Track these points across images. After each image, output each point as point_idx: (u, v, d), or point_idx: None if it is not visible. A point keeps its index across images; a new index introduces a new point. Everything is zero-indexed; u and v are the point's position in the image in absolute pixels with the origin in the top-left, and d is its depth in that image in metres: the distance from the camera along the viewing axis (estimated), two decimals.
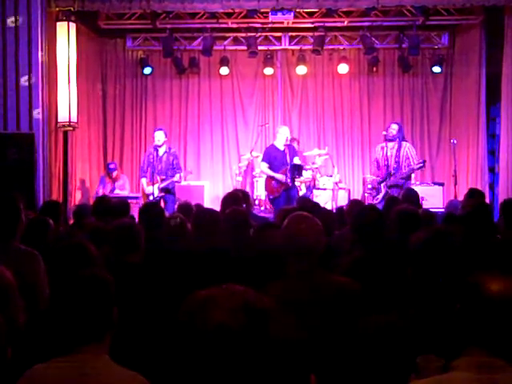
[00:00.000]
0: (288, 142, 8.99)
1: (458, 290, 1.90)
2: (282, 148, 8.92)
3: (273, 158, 8.95)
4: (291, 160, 8.87)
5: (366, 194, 9.10)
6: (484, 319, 1.79)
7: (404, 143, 8.98)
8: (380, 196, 8.80)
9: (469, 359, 1.79)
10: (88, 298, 2.05)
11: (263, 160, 9.15)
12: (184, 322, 1.39)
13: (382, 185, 8.84)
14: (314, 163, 10.26)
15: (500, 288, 1.81)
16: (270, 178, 8.98)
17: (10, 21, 8.52)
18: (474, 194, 6.03)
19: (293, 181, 8.92)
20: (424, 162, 9.21)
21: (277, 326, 1.79)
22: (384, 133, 9.02)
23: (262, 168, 9.16)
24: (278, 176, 8.82)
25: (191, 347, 1.36)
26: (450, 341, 1.93)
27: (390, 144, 8.89)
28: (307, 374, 1.73)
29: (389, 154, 8.87)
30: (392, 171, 8.77)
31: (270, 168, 8.91)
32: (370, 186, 9.06)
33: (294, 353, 1.75)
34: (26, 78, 8.55)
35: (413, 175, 9.60)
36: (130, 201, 6.60)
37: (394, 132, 8.88)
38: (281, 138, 8.98)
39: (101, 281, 2.12)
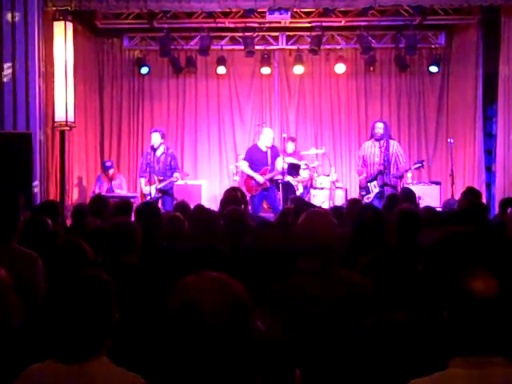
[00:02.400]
0: (270, 145, 9.29)
1: (442, 293, 1.91)
2: (264, 149, 9.27)
3: (254, 157, 9.31)
4: (273, 161, 9.21)
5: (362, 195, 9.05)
6: (474, 318, 1.81)
7: (392, 142, 9.01)
8: (372, 195, 8.75)
9: (467, 356, 1.81)
10: (87, 302, 2.00)
11: (244, 159, 9.50)
12: (174, 309, 1.43)
13: (372, 184, 8.81)
14: (313, 168, 10.23)
15: (483, 285, 1.82)
16: (249, 177, 9.32)
17: (7, 20, 8.51)
18: (470, 193, 6.04)
19: (271, 181, 9.27)
20: (422, 161, 9.25)
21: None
22: (378, 131, 8.98)
23: (243, 166, 9.53)
24: (257, 177, 9.19)
25: (178, 333, 1.40)
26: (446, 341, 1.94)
27: (378, 143, 8.89)
28: (291, 369, 1.74)
29: (377, 152, 8.87)
30: (383, 170, 8.75)
31: (251, 167, 9.27)
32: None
33: (277, 349, 1.76)
34: (23, 77, 8.53)
35: (409, 174, 9.62)
36: None
37: (381, 131, 8.91)
38: (264, 138, 9.33)
39: (101, 283, 2.08)
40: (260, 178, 9.19)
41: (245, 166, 9.41)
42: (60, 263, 2.92)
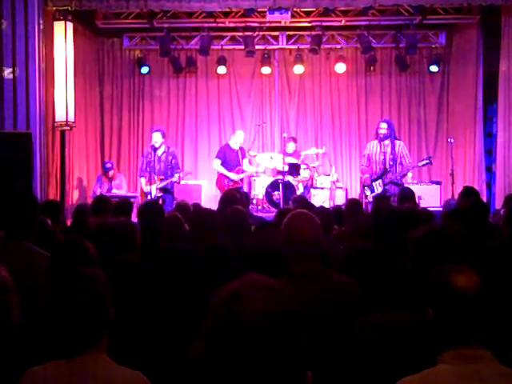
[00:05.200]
0: (238, 147, 9.85)
1: (426, 289, 1.94)
2: (236, 148, 9.80)
3: (228, 156, 9.79)
4: (241, 162, 9.83)
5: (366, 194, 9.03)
6: (457, 315, 1.84)
7: (397, 142, 9.01)
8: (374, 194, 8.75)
9: (454, 352, 1.83)
10: (84, 298, 2.03)
11: (217, 157, 9.95)
12: (217, 315, 1.36)
13: (376, 183, 8.81)
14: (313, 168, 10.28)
15: (466, 281, 1.85)
16: (223, 176, 9.76)
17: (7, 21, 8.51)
18: (468, 193, 6.02)
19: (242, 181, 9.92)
20: (429, 158, 9.25)
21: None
22: (382, 131, 9.00)
23: (215, 164, 9.94)
24: (231, 175, 9.66)
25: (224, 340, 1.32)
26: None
27: (384, 142, 8.90)
28: (304, 371, 1.72)
29: (383, 150, 8.86)
30: (388, 168, 8.76)
31: (223, 166, 9.76)
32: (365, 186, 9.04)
33: (290, 350, 1.74)
34: (24, 77, 8.53)
35: (410, 174, 9.62)
36: None
37: (385, 131, 8.90)
38: (235, 139, 9.86)
39: (97, 280, 2.10)
40: (234, 176, 9.68)
41: (217, 164, 9.85)
42: (63, 262, 2.92)
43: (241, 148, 9.90)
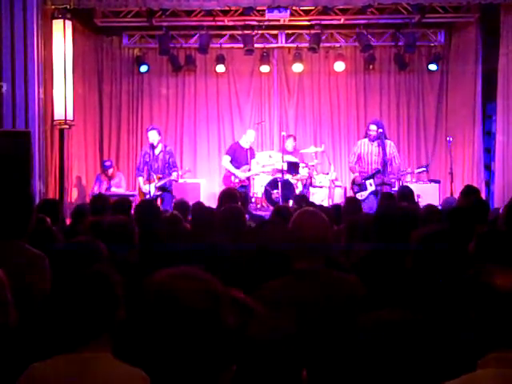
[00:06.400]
0: (248, 146, 9.97)
1: (468, 293, 1.88)
2: (246, 146, 9.93)
3: (237, 154, 9.92)
4: (250, 162, 9.95)
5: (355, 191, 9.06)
6: (501, 316, 1.78)
7: (388, 142, 9.03)
8: (366, 193, 8.78)
9: (497, 355, 1.78)
10: (92, 296, 2.04)
11: (226, 153, 10.11)
12: (148, 301, 1.51)
13: (368, 182, 8.84)
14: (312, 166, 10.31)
15: (510, 282, 1.80)
16: (230, 173, 9.87)
17: (6, 18, 8.50)
18: (469, 192, 6.03)
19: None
20: (427, 166, 9.31)
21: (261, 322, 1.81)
22: (372, 133, 9.04)
23: (224, 161, 10.08)
24: (238, 173, 9.77)
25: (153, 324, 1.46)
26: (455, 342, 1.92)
27: (374, 142, 8.94)
28: (299, 369, 1.73)
29: (375, 150, 8.91)
30: (381, 169, 8.80)
31: (231, 163, 9.88)
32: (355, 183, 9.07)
33: (283, 348, 1.75)
34: (22, 75, 8.52)
35: (409, 170, 9.66)
36: None
37: (375, 132, 8.96)
38: (246, 138, 9.98)
39: (106, 279, 2.10)
40: (241, 175, 9.76)
41: (226, 161, 9.96)
42: (74, 261, 2.91)
43: (250, 148, 9.99)
